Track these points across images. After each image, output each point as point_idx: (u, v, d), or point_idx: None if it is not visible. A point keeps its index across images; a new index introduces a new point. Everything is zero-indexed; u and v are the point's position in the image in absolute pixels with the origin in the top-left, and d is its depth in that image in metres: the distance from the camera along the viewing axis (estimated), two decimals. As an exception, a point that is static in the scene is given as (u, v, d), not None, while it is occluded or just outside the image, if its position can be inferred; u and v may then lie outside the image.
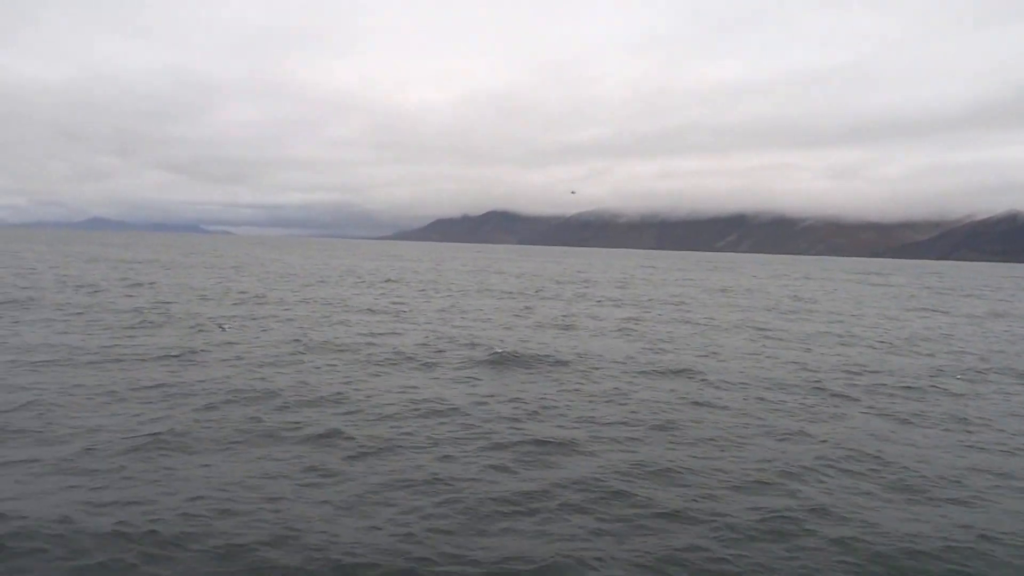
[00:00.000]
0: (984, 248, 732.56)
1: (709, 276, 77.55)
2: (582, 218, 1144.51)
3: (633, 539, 7.70)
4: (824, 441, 11.48)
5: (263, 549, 7.15)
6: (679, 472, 9.78)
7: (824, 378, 16.98)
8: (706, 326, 27.28)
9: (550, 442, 10.86)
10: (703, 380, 16.23)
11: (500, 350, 18.88)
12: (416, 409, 12.60)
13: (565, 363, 17.73)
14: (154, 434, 10.49)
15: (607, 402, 13.72)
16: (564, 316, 29.14)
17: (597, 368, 17.32)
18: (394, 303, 32.15)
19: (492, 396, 13.82)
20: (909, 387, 16.35)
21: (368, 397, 13.38)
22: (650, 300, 39.38)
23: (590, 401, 13.77)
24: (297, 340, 19.72)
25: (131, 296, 30.08)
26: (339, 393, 13.53)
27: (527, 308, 32.31)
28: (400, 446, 10.49)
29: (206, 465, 9.39)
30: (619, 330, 25.16)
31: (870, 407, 14.14)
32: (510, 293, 41.08)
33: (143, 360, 16.06)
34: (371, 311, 28.32)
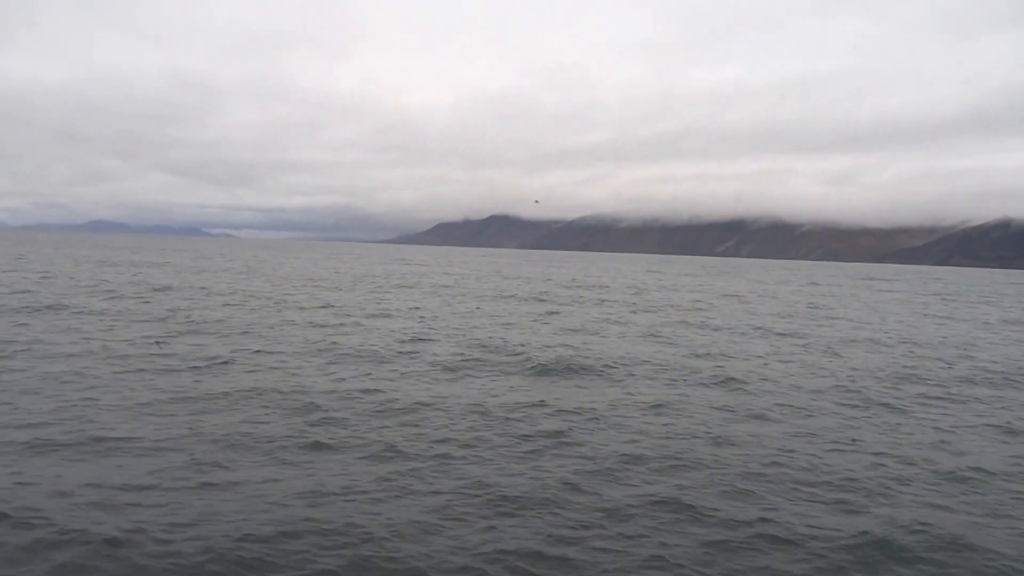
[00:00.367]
0: (978, 254, 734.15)
1: (717, 282, 77.53)
2: (584, 222, 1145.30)
3: (721, 560, 7.58)
4: (898, 455, 11.39)
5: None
6: (751, 489, 9.66)
7: (869, 386, 16.89)
8: (732, 331, 27.19)
9: (621, 455, 10.75)
10: (748, 389, 16.12)
11: (544, 357, 18.80)
12: (473, 417, 12.49)
13: (610, 370, 17.62)
14: (222, 442, 10.40)
15: (660, 413, 13.60)
16: (594, 322, 29.04)
17: (648, 377, 17.22)
18: (413, 307, 32.01)
19: (546, 404, 13.68)
20: (957, 394, 16.28)
21: (427, 405, 13.26)
22: (670, 306, 39.28)
23: (652, 411, 13.65)
24: (330, 347, 19.61)
25: (151, 302, 29.92)
26: (392, 400, 13.42)
27: (551, 313, 32.22)
28: (462, 456, 10.38)
29: (270, 480, 9.28)
30: (650, 336, 25.05)
31: (924, 416, 14.06)
32: (528, 298, 40.96)
33: (195, 369, 15.94)
34: (396, 316, 28.20)
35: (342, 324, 25.10)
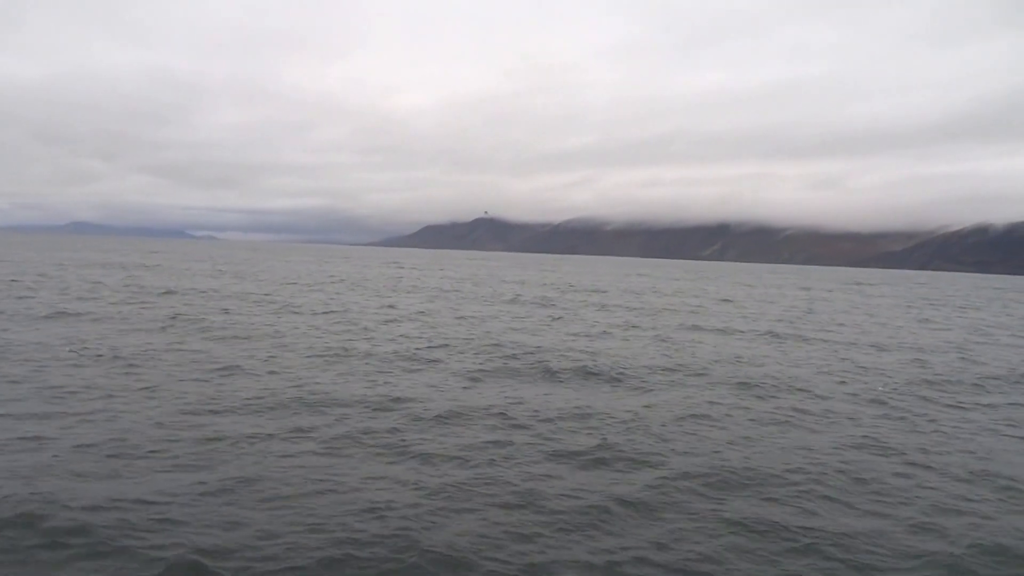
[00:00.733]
0: (957, 259, 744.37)
1: (709, 286, 78.13)
2: (569, 225, 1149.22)
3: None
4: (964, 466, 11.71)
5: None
6: (810, 506, 9.92)
7: (897, 391, 17.27)
8: (740, 335, 27.51)
9: (673, 469, 10.98)
10: (777, 394, 16.42)
11: (566, 363, 19.02)
12: (519, 421, 12.67)
13: (630, 375, 17.84)
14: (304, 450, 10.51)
15: (700, 421, 13.85)
16: (610, 327, 29.26)
17: (678, 383, 17.46)
18: (420, 312, 32.10)
19: (588, 413, 13.88)
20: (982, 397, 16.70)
21: (464, 414, 13.40)
22: (671, 310, 39.61)
23: (691, 419, 13.89)
24: (346, 350, 19.72)
25: (169, 305, 29.82)
26: (416, 401, 13.56)
27: (556, 318, 32.42)
28: (505, 466, 10.56)
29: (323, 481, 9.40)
30: (660, 340, 25.30)
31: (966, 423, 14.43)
32: (530, 303, 41.13)
33: (245, 372, 16.00)
34: (404, 320, 28.30)
35: (349, 330, 25.17)
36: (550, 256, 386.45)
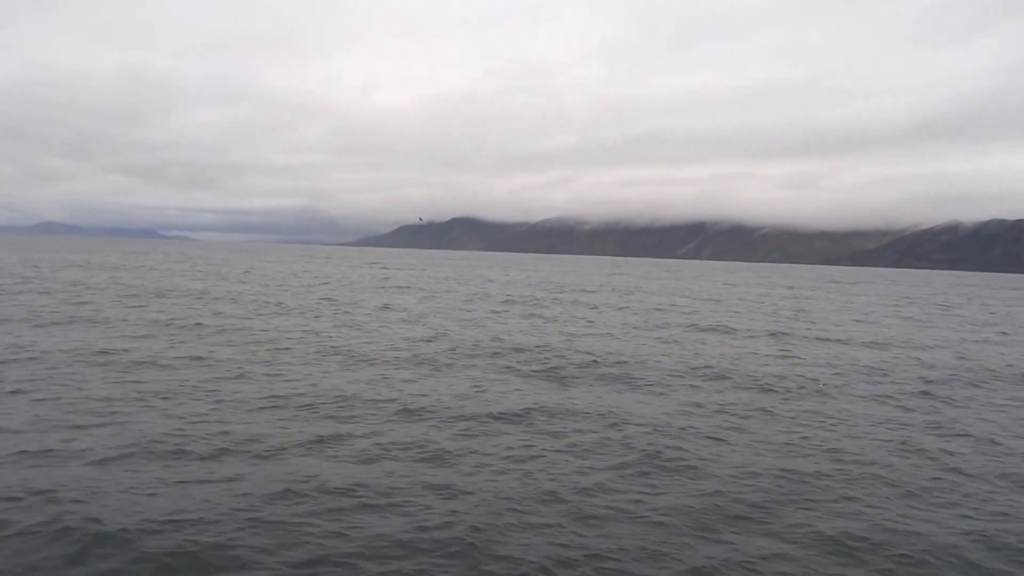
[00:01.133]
0: (929, 256, 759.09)
1: (691, 285, 78.59)
2: (547, 225, 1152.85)
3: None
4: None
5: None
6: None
7: (934, 377, 17.39)
8: (735, 334, 27.61)
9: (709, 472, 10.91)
10: (789, 393, 16.46)
11: (586, 363, 18.93)
12: (575, 420, 12.55)
13: (642, 375, 17.79)
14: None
15: (748, 417, 13.82)
16: (617, 327, 29.23)
17: (693, 384, 17.44)
18: (421, 315, 31.82)
19: (621, 412, 13.78)
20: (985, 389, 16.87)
21: (507, 417, 13.24)
22: (660, 309, 39.71)
23: (744, 417, 13.86)
24: (355, 352, 19.45)
25: (190, 307, 29.24)
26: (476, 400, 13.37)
27: (551, 319, 32.33)
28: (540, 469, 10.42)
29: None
30: (659, 340, 25.30)
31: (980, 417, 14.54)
32: (521, 302, 41.00)
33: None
34: (408, 322, 28.04)
35: (351, 327, 24.87)
36: (529, 256, 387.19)
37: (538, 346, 22.20)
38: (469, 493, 9.17)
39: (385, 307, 34.26)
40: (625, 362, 19.84)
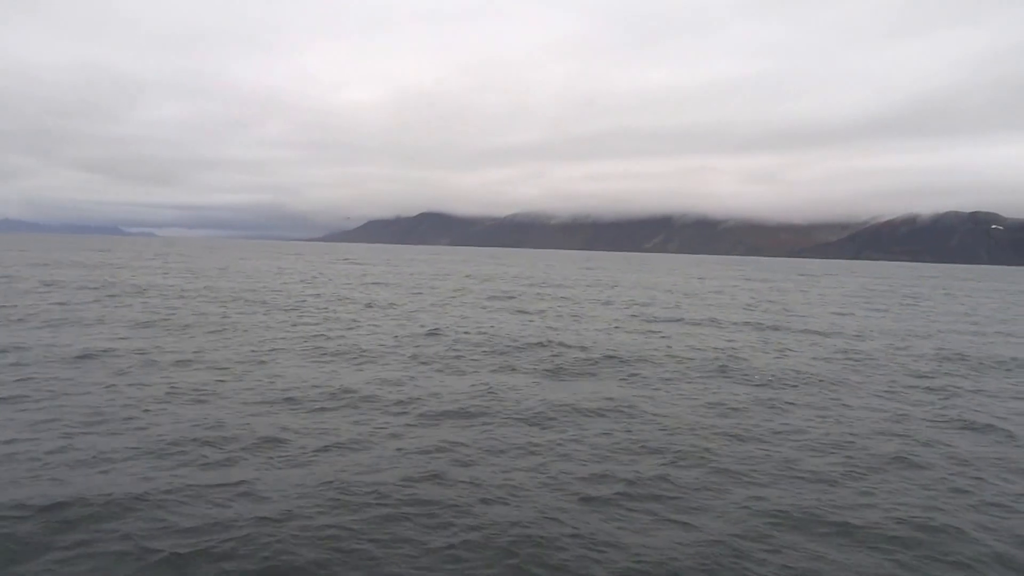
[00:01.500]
0: (888, 248, 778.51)
1: (665, 279, 79.48)
2: (515, 220, 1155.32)
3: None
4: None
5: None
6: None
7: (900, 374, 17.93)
8: (720, 325, 28.08)
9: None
10: (797, 385, 16.86)
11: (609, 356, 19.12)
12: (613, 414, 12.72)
13: (652, 368, 18.08)
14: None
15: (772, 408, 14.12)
16: (615, 319, 29.49)
17: (709, 376, 17.75)
18: (415, 311, 31.75)
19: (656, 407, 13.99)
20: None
21: (546, 413, 13.35)
22: (637, 303, 40.16)
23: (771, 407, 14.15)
24: (357, 350, 19.41)
25: (193, 305, 28.72)
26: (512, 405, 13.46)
27: (540, 312, 32.53)
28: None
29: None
30: (668, 335, 25.64)
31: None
32: (500, 296, 41.11)
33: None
34: (400, 318, 27.96)
35: (348, 324, 24.77)
36: (499, 250, 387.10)
37: (540, 343, 22.33)
38: (513, 497, 9.28)
39: (374, 304, 34.10)
40: (628, 358, 20.07)
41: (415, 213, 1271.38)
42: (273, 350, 19.26)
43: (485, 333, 24.16)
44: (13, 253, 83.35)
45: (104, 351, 17.83)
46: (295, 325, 24.84)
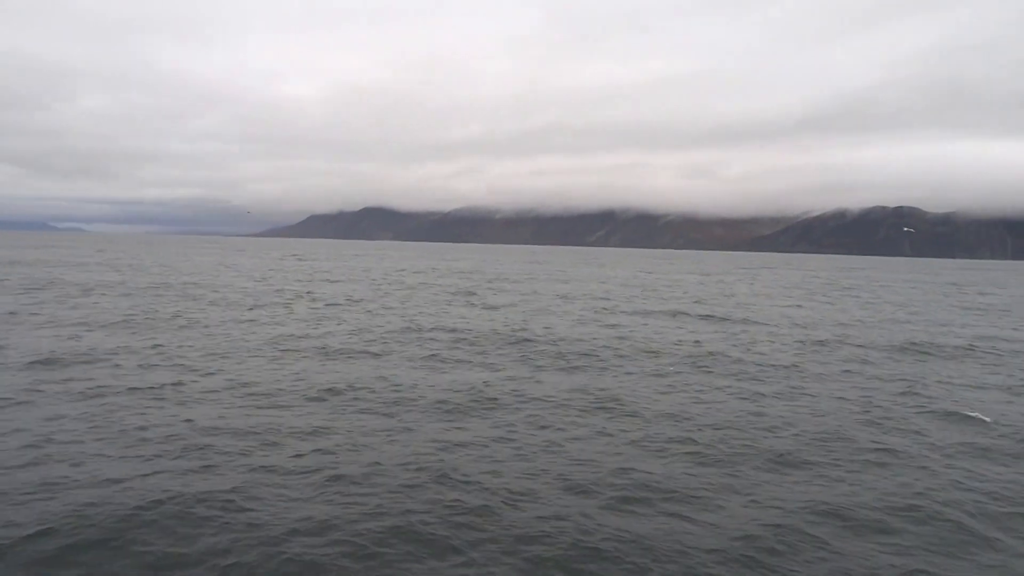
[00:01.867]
0: (819, 241, 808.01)
1: (617, 273, 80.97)
2: (458, 214, 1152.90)
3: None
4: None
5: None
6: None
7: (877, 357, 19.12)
8: (698, 320, 29.16)
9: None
10: (788, 377, 17.83)
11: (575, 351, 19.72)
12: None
13: (628, 360, 18.81)
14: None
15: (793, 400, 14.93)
16: (585, 310, 30.13)
17: (697, 367, 18.53)
18: (388, 307, 31.79)
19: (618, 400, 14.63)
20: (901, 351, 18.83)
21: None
22: (605, 298, 41.07)
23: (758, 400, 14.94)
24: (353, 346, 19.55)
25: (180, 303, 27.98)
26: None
27: (492, 305, 33.01)
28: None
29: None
30: (642, 329, 26.43)
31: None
32: (465, 292, 41.47)
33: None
34: (384, 312, 28.04)
35: (326, 320, 24.78)
36: (444, 245, 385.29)
37: (515, 338, 22.86)
38: (513, 493, 9.79)
39: (338, 301, 34.00)
40: (602, 352, 20.79)
41: (357, 208, 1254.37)
42: (246, 349, 19.24)
43: (457, 329, 24.53)
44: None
45: (67, 353, 17.55)
46: (263, 324, 24.72)
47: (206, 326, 23.17)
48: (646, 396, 14.89)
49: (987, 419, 13.48)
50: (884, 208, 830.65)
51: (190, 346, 19.11)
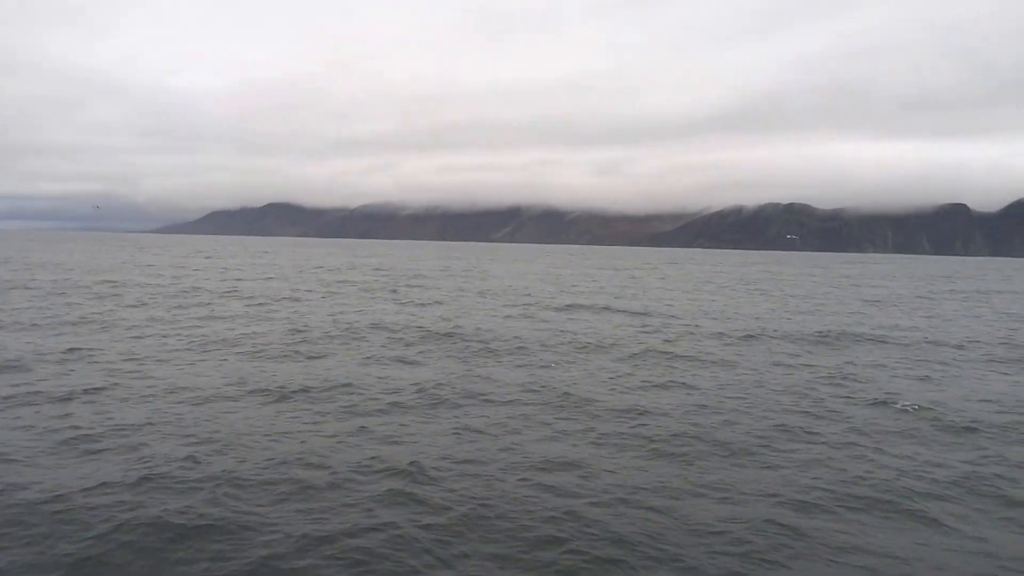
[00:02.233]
0: (718, 237, 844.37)
1: (531, 267, 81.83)
2: (366, 210, 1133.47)
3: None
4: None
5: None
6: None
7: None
8: (621, 314, 29.85)
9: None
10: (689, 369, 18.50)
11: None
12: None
13: (538, 352, 19.07)
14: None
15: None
16: (506, 305, 30.15)
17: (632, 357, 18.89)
18: (320, 300, 30.83)
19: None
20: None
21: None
22: (525, 293, 41.46)
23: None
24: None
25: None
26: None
27: (417, 302, 32.79)
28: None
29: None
30: (570, 322, 26.76)
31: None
32: (383, 288, 40.87)
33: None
34: (312, 312, 27.17)
35: (262, 319, 23.83)
36: (351, 241, 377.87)
37: (447, 333, 22.75)
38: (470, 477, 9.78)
39: (261, 299, 32.80)
40: (533, 347, 21.01)
41: (262, 204, 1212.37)
42: (173, 349, 18.34)
43: (389, 327, 24.18)
44: None
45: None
46: (189, 325, 23.59)
47: (130, 327, 21.88)
48: (590, 390, 15.17)
49: (909, 404, 14.47)
50: (778, 205, 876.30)
51: (114, 348, 18.00)
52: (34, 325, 22.14)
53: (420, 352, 19.38)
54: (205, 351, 18.50)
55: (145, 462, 9.72)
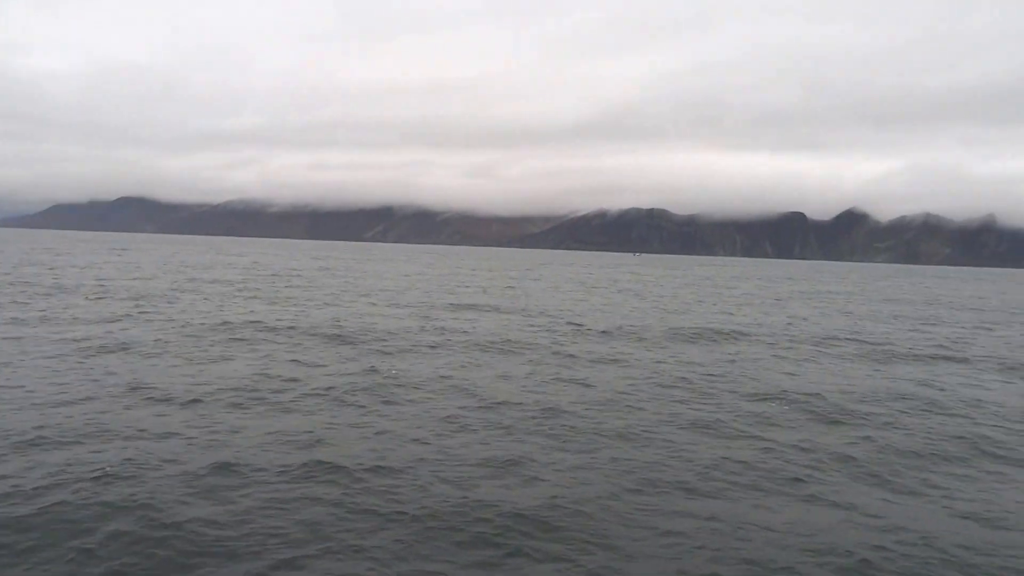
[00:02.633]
0: (584, 239, 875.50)
1: (408, 267, 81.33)
2: (230, 207, 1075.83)
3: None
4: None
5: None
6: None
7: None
8: (505, 313, 30.52)
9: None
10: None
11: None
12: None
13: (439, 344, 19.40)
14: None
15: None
16: (392, 304, 29.84)
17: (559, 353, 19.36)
18: (204, 300, 29.10)
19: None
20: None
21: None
22: (402, 292, 41.35)
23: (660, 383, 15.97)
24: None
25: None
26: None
27: (300, 301, 32.02)
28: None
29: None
30: (434, 318, 26.99)
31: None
32: (259, 289, 39.41)
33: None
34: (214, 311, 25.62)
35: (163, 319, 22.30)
36: (217, 239, 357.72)
37: (335, 333, 22.46)
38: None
39: (140, 297, 30.67)
40: (436, 343, 21.24)
41: (113, 198, 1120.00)
42: (45, 354, 16.97)
43: (273, 328, 23.52)
44: None
45: None
46: (57, 324, 21.75)
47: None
48: (498, 388, 15.59)
49: (785, 394, 16.02)
50: (639, 210, 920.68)
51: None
52: None
53: (320, 355, 19.05)
54: (83, 353, 17.23)
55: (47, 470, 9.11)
